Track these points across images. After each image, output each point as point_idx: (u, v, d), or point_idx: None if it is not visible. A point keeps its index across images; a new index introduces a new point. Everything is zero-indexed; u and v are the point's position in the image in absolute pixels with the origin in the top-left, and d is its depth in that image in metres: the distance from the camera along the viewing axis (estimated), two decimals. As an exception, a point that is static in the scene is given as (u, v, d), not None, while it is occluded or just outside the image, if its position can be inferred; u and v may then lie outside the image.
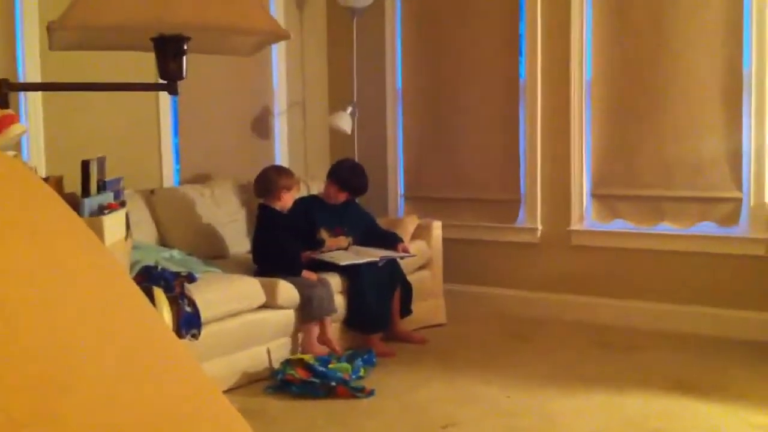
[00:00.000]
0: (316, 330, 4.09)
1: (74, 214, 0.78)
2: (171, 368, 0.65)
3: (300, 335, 4.09)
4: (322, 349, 4.05)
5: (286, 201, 4.35)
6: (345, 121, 5.36)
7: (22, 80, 3.97)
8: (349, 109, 5.42)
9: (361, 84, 5.54)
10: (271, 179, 4.35)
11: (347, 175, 4.62)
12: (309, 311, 4.03)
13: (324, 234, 4.55)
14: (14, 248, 0.60)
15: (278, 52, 5.49)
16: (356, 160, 5.13)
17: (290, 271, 4.10)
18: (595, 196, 4.96)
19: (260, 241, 4.29)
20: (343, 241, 4.53)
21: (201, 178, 4.97)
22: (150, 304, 0.76)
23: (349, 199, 4.68)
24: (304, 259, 4.29)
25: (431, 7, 5.48)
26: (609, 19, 4.81)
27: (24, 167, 0.83)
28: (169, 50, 1.53)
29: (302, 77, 5.74)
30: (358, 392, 3.60)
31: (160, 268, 3.71)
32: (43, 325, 0.54)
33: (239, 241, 4.73)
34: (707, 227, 4.58)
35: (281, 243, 4.22)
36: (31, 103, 4.07)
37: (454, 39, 5.39)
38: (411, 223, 4.98)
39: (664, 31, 4.61)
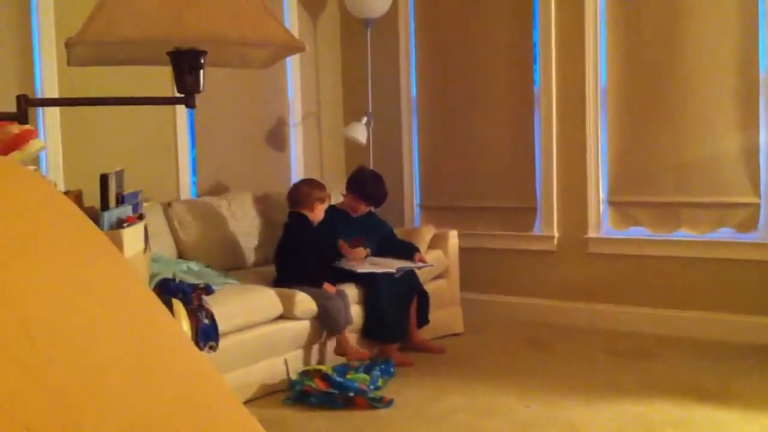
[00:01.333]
0: (348, 337, 4.10)
1: (95, 227, 0.79)
2: (191, 378, 0.65)
3: (315, 346, 4.09)
4: (361, 352, 4.08)
5: (318, 212, 4.40)
6: (360, 132, 5.37)
7: (39, 96, 4.02)
8: (364, 120, 5.44)
9: (375, 94, 5.56)
10: (305, 191, 4.38)
11: (369, 187, 4.61)
12: (328, 324, 4.03)
13: (344, 246, 4.56)
14: (36, 262, 0.61)
15: (293, 63, 5.52)
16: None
17: (311, 283, 4.11)
18: (611, 203, 4.94)
19: (284, 249, 4.31)
20: (362, 252, 4.53)
21: (218, 190, 5.00)
22: (170, 315, 0.77)
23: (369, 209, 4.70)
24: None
25: (444, 17, 5.50)
26: (623, 25, 4.80)
27: (45, 182, 0.84)
28: (185, 64, 1.54)
29: (317, 88, 5.77)
30: (376, 403, 3.59)
31: (177, 280, 3.74)
32: (63, 337, 0.55)
33: (256, 253, 4.75)
34: (725, 233, 4.55)
35: (304, 254, 4.23)
36: (49, 118, 4.11)
37: (467, 48, 5.40)
38: (428, 233, 4.97)
39: (678, 36, 4.60)
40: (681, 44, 4.59)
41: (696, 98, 4.57)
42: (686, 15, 4.57)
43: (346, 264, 4.36)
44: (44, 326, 0.52)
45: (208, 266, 4.23)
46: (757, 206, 4.44)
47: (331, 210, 4.77)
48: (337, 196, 5.17)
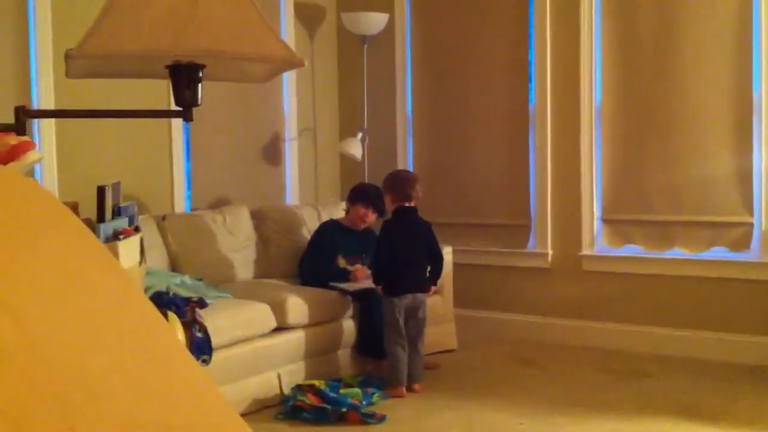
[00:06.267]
0: (401, 390, 4.02)
1: (93, 236, 0.79)
2: (189, 387, 0.66)
3: (309, 360, 4.09)
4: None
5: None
6: (355, 147, 5.38)
7: (36, 107, 4.02)
8: (360, 135, 5.45)
9: (371, 110, 5.57)
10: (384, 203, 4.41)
11: (376, 196, 4.58)
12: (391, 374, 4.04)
13: (342, 261, 4.55)
14: (37, 270, 0.61)
15: (289, 78, 5.53)
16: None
17: (393, 290, 4.10)
18: (605, 221, 4.95)
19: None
20: (364, 273, 4.49)
21: (212, 204, 5.00)
22: (167, 325, 0.77)
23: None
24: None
25: (441, 34, 5.53)
26: (618, 45, 4.83)
27: (44, 191, 0.84)
28: (184, 78, 1.55)
29: (313, 104, 5.78)
30: (369, 418, 3.58)
31: (171, 293, 3.74)
32: (64, 345, 0.55)
33: (250, 267, 4.74)
34: (718, 252, 4.56)
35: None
36: (45, 130, 4.11)
37: (463, 65, 5.42)
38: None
39: (673, 57, 4.63)
40: (676, 65, 4.62)
41: (690, 118, 4.59)
42: (681, 36, 4.60)
43: (342, 284, 4.37)
44: (46, 333, 0.53)
45: (200, 279, 4.22)
46: (750, 226, 4.46)
47: (332, 225, 4.76)
48: (332, 211, 5.18)
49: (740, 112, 4.44)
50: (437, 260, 4.24)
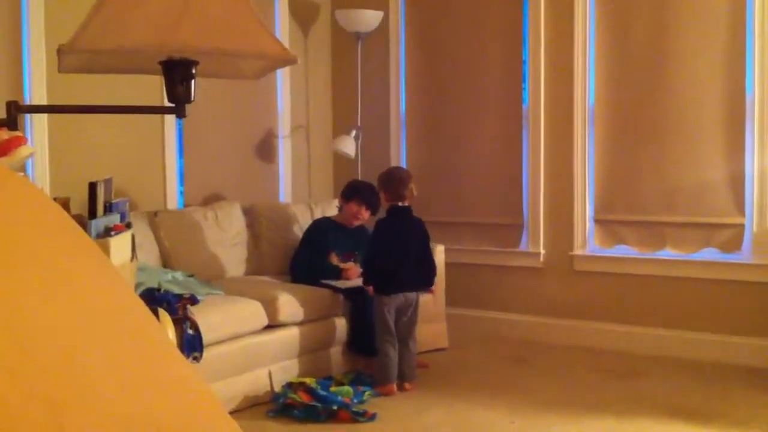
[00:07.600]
0: (391, 387, 4.02)
1: (84, 233, 0.79)
2: (178, 386, 0.65)
3: (300, 357, 4.08)
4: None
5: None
6: (349, 145, 5.38)
7: (28, 102, 4.00)
8: (353, 133, 5.44)
9: (365, 108, 5.57)
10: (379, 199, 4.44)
11: (369, 193, 4.59)
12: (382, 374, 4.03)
13: (335, 259, 4.55)
14: (26, 268, 0.61)
15: (283, 75, 5.53)
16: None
17: (384, 289, 4.10)
18: (597, 221, 4.96)
19: None
20: (356, 271, 4.48)
21: (205, 201, 4.99)
22: (157, 323, 0.77)
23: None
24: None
25: (435, 33, 5.53)
26: (612, 46, 4.84)
27: (35, 188, 0.84)
28: (177, 74, 1.55)
29: (306, 101, 5.78)
30: (359, 416, 3.58)
31: (162, 290, 3.73)
32: (53, 344, 0.55)
33: (242, 264, 4.73)
34: (710, 253, 4.57)
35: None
36: (37, 125, 4.09)
37: (458, 64, 5.42)
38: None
39: (666, 58, 4.64)
40: (669, 66, 4.63)
41: (683, 118, 4.60)
42: (674, 37, 4.61)
43: (333, 281, 4.37)
44: (35, 334, 0.52)
45: (191, 276, 4.21)
46: (742, 227, 4.47)
47: (325, 222, 4.75)
48: (325, 208, 5.17)
49: (733, 114, 4.45)
50: (428, 261, 4.25)
